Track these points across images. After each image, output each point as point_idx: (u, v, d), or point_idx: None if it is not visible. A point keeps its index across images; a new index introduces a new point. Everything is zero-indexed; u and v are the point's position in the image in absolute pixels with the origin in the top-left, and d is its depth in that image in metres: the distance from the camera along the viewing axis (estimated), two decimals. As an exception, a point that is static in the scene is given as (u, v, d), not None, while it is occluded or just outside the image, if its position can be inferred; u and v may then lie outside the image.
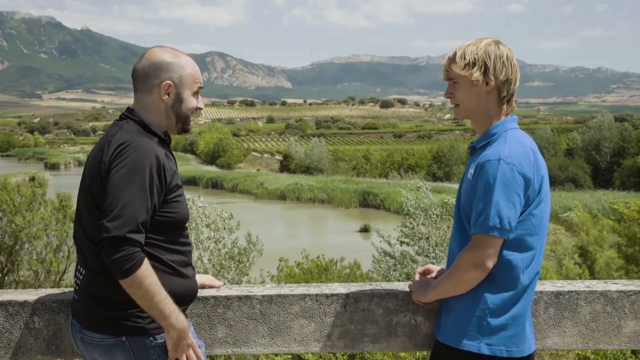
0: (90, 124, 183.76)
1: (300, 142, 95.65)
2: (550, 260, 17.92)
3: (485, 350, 2.17)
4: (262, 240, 13.75)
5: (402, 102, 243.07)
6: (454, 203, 3.21)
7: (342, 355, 6.06)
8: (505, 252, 2.16)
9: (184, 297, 2.24)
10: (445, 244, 13.31)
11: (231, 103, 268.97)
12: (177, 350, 2.16)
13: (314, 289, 2.57)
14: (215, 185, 66.10)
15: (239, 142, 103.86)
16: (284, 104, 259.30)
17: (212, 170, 79.01)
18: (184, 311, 2.24)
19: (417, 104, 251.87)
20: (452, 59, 2.28)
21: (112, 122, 2.40)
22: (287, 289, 2.57)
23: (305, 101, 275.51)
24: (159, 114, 2.27)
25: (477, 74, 2.23)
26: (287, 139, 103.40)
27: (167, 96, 2.25)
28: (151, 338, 2.16)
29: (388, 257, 13.98)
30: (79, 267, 2.26)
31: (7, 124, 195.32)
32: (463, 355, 2.19)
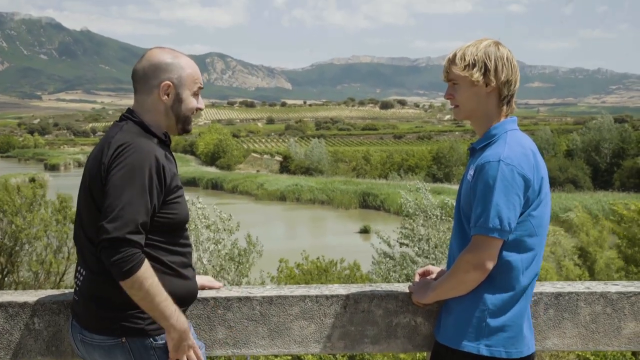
0: (90, 125, 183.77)
1: (300, 143, 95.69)
2: (550, 262, 17.92)
3: (484, 352, 2.17)
4: (262, 242, 13.75)
5: (402, 103, 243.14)
6: (454, 204, 3.21)
7: (342, 356, 6.07)
8: (505, 253, 2.16)
9: (184, 298, 2.24)
10: (445, 245, 13.30)
11: (231, 104, 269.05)
12: (177, 351, 2.16)
13: (314, 290, 2.56)
14: (215, 186, 66.11)
15: (239, 143, 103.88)
16: (283, 105, 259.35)
17: (212, 171, 79.03)
18: (184, 312, 2.23)
19: (417, 105, 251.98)
20: (452, 60, 2.29)
21: (112, 123, 2.40)
22: (287, 290, 2.57)
23: (305, 102, 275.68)
24: (159, 114, 2.27)
25: (477, 75, 2.23)
26: (287, 140, 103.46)
27: (166, 97, 2.25)
28: (151, 339, 2.16)
29: (388, 259, 13.97)
30: (79, 268, 2.26)
31: (7, 125, 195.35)
32: (463, 356, 2.19)
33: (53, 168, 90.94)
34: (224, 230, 12.86)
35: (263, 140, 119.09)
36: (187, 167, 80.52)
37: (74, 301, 2.27)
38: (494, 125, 2.26)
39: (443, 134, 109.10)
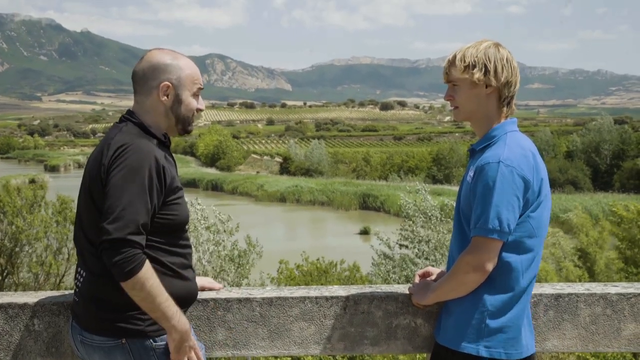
0: (90, 126, 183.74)
1: (300, 144, 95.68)
2: (549, 263, 17.92)
3: (484, 353, 2.17)
4: (262, 243, 13.75)
5: (402, 105, 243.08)
6: (454, 205, 3.22)
7: (342, 357, 6.06)
8: (504, 254, 2.16)
9: (184, 299, 2.24)
10: (444, 246, 13.30)
11: (231, 105, 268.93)
12: (179, 353, 2.16)
13: (313, 291, 2.57)
14: (215, 187, 66.10)
15: (239, 144, 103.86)
16: (283, 106, 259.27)
17: (212, 172, 79.03)
18: (183, 313, 2.23)
19: (416, 106, 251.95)
20: (452, 62, 2.29)
21: (112, 124, 2.40)
22: (287, 292, 2.57)
23: (305, 103, 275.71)
24: (159, 115, 2.27)
25: (477, 77, 2.23)
26: (287, 141, 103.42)
27: (165, 97, 2.26)
28: (151, 340, 2.16)
29: (388, 260, 13.97)
30: (79, 269, 2.26)
31: (7, 126, 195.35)
32: (462, 357, 2.19)
33: (53, 169, 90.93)
34: (224, 231, 12.85)
35: (263, 141, 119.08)
36: (187, 168, 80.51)
37: (74, 302, 2.27)
38: (493, 127, 2.27)
39: (443, 136, 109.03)
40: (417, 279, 2.51)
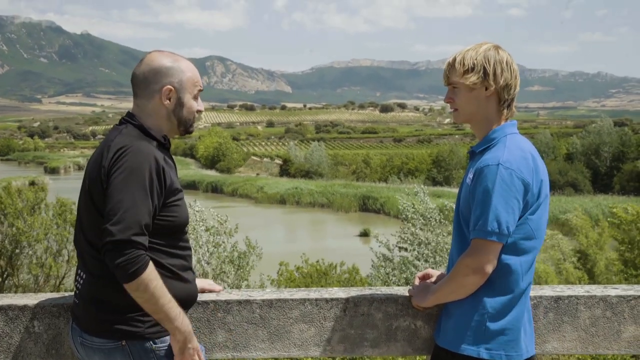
0: (90, 128, 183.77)
1: (300, 146, 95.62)
2: (549, 264, 17.91)
3: (484, 355, 2.17)
4: (262, 245, 13.72)
5: (402, 107, 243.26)
6: (453, 207, 3.22)
7: (342, 359, 6.06)
8: (504, 256, 2.16)
9: (184, 301, 2.24)
10: (444, 249, 13.29)
11: (231, 107, 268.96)
12: (183, 355, 2.16)
13: (313, 293, 2.57)
14: (215, 189, 66.05)
15: (239, 146, 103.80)
16: (283, 108, 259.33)
17: (211, 174, 78.97)
18: (184, 315, 2.24)
19: (416, 109, 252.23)
20: (451, 64, 2.29)
21: (112, 126, 2.40)
22: (287, 294, 2.57)
23: (305, 105, 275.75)
24: (160, 118, 2.28)
25: (476, 79, 2.23)
26: (286, 143, 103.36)
27: (168, 101, 2.26)
28: (151, 342, 2.16)
29: (387, 262, 13.95)
30: (79, 271, 2.26)
31: (7, 128, 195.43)
32: (462, 359, 2.19)
33: (53, 171, 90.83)
34: (224, 233, 12.83)
35: (263, 143, 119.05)
36: (187, 170, 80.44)
37: (74, 304, 2.27)
38: (493, 129, 2.27)
39: (443, 138, 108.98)
40: (417, 281, 2.51)
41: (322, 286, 11.83)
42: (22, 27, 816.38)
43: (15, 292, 12.84)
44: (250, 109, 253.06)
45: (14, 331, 2.47)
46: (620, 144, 62.01)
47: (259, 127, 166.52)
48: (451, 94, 2.32)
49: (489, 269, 2.14)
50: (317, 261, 13.55)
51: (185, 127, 2.33)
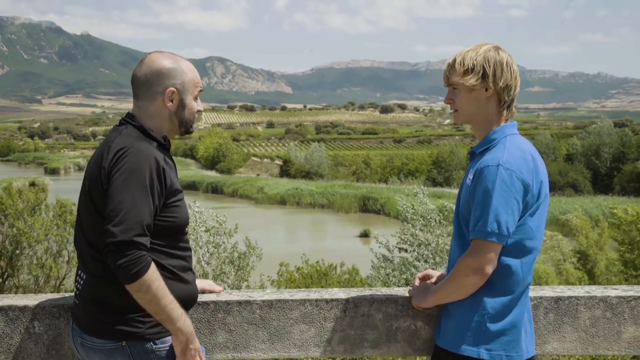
0: (90, 128, 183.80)
1: (300, 147, 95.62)
2: (549, 265, 17.91)
3: (484, 356, 2.17)
4: (262, 245, 13.72)
5: (402, 107, 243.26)
6: (453, 208, 3.22)
7: (342, 360, 6.06)
8: (504, 257, 2.16)
9: (185, 302, 2.24)
10: (444, 250, 13.28)
11: (231, 108, 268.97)
12: (185, 356, 2.16)
13: (314, 294, 2.57)
14: (215, 190, 66.05)
15: (239, 147, 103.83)
16: (283, 109, 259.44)
17: (212, 175, 78.96)
18: (184, 316, 2.24)
19: (417, 109, 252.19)
20: (451, 65, 2.29)
21: (112, 127, 2.40)
22: (287, 294, 2.57)
23: (305, 106, 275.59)
24: (162, 119, 2.28)
25: (476, 80, 2.23)
26: (287, 144, 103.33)
27: (170, 103, 2.27)
28: (151, 343, 2.16)
29: (388, 262, 13.94)
30: (79, 272, 2.26)
31: (7, 128, 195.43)
32: (463, 360, 2.19)
33: (53, 172, 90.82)
34: (224, 233, 12.83)
35: (263, 144, 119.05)
36: (187, 170, 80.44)
37: (75, 305, 2.27)
38: (493, 130, 2.27)
39: (443, 138, 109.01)
40: (417, 282, 2.51)
41: (322, 287, 11.81)
42: (22, 27, 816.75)
43: (16, 292, 12.84)
44: (251, 109, 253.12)
45: (14, 332, 2.47)
46: (621, 144, 62.02)
47: (259, 128, 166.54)
48: (451, 94, 2.32)
49: (489, 269, 2.14)
50: (317, 262, 13.55)
51: (186, 127, 2.34)
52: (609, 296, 2.50)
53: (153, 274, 2.05)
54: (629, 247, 15.51)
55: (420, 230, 13.70)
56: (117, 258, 2.00)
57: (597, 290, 2.57)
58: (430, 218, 13.75)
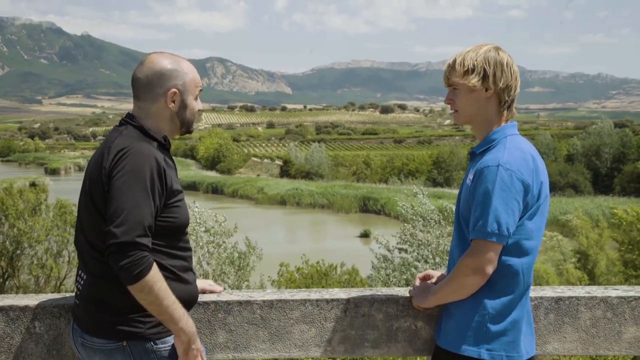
0: (91, 129, 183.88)
1: (301, 147, 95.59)
2: (549, 265, 17.91)
3: (485, 356, 2.17)
4: (262, 246, 13.73)
5: (402, 108, 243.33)
6: (453, 209, 3.22)
7: (342, 360, 6.05)
8: (504, 257, 2.16)
9: (185, 302, 2.24)
10: (444, 250, 13.28)
11: (231, 108, 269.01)
12: (187, 356, 2.16)
13: (314, 294, 2.57)
14: (215, 190, 66.04)
15: (239, 147, 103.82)
16: (284, 109, 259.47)
17: (212, 175, 78.94)
18: (185, 316, 2.24)
19: (417, 110, 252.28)
20: (451, 66, 2.30)
21: (112, 127, 2.41)
22: (287, 294, 2.57)
23: (305, 106, 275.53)
24: (163, 120, 2.29)
25: (476, 81, 2.23)
26: (287, 144, 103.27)
27: (172, 104, 2.27)
28: (152, 343, 2.16)
29: (388, 262, 13.94)
30: (80, 272, 2.26)
31: (7, 129, 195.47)
32: (463, 360, 2.19)
33: (53, 172, 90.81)
34: (224, 233, 12.83)
35: (263, 144, 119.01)
36: (188, 171, 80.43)
37: (75, 305, 2.27)
38: (493, 130, 2.27)
39: (443, 139, 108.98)
40: (417, 282, 2.51)
41: (322, 287, 11.81)
42: (22, 28, 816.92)
43: (16, 292, 12.84)
44: (251, 110, 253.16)
45: (15, 332, 2.48)
46: (621, 145, 62.01)
47: (259, 128, 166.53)
48: (451, 95, 2.32)
49: (490, 269, 2.14)
50: (318, 262, 13.55)
51: (187, 127, 2.35)
52: (609, 296, 2.50)
53: (155, 275, 2.05)
54: (629, 247, 15.51)
55: (420, 230, 13.70)
56: (119, 259, 2.00)
57: (597, 291, 2.57)
58: (430, 218, 13.75)
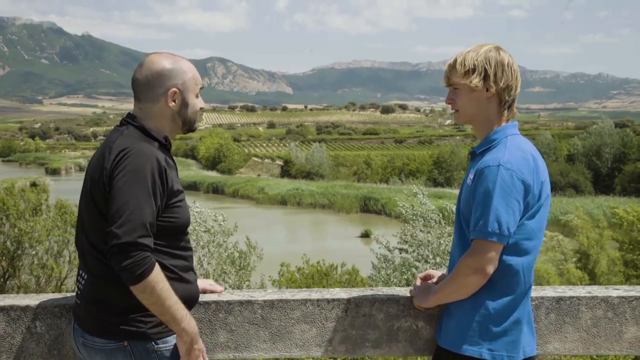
0: (91, 129, 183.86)
1: (301, 147, 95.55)
2: (550, 265, 17.90)
3: (486, 356, 2.17)
4: (263, 246, 13.72)
5: (403, 108, 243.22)
6: (453, 209, 3.22)
7: (343, 360, 6.05)
8: (505, 257, 2.16)
9: (186, 302, 2.24)
10: (446, 251, 13.27)
11: (232, 108, 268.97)
12: (190, 356, 2.17)
13: (315, 294, 2.57)
14: (216, 190, 66.02)
15: (240, 147, 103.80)
16: (284, 109, 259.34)
17: (212, 175, 78.93)
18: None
19: (417, 110, 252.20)
20: (452, 66, 2.29)
21: (112, 127, 2.41)
22: (288, 294, 2.57)
23: (306, 106, 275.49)
24: (165, 120, 2.29)
25: (477, 80, 2.23)
26: (287, 144, 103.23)
27: (173, 103, 2.27)
28: (153, 343, 2.16)
29: (388, 263, 13.92)
30: (80, 271, 2.27)
31: (8, 129, 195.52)
32: (464, 360, 2.19)
33: (54, 172, 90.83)
34: (224, 232, 12.82)
35: (264, 144, 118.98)
36: (188, 171, 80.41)
37: (76, 305, 2.28)
38: (494, 130, 2.27)
39: (444, 139, 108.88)
40: (418, 282, 2.51)
41: (323, 287, 11.80)
42: (23, 28, 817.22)
43: (17, 292, 12.85)
44: (251, 110, 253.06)
45: (16, 331, 2.48)
46: (622, 145, 61.97)
47: (260, 128, 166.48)
48: (452, 95, 2.32)
49: (490, 269, 2.14)
50: (318, 262, 13.55)
51: (189, 126, 2.35)
52: (610, 296, 2.50)
53: (158, 275, 2.05)
54: (630, 247, 15.51)
55: (421, 230, 13.69)
56: (121, 260, 2.00)
57: (598, 291, 2.57)
58: (430, 218, 13.73)
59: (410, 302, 2.48)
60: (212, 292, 2.59)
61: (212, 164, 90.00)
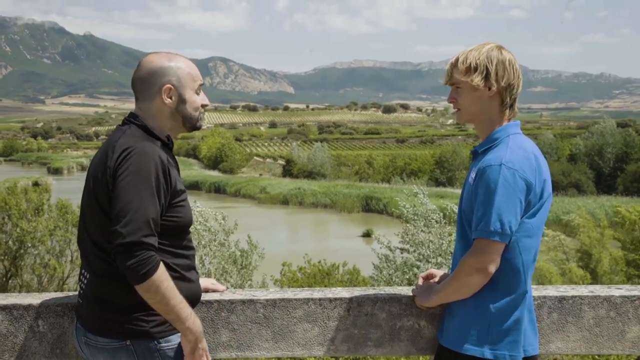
0: (93, 128, 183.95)
1: (303, 147, 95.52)
2: (552, 264, 17.88)
3: (488, 355, 2.17)
4: (264, 245, 13.72)
5: (405, 107, 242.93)
6: (454, 208, 3.22)
7: (346, 359, 6.06)
8: (506, 256, 2.16)
9: (189, 301, 2.24)
10: (447, 251, 13.25)
11: (234, 108, 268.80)
12: (194, 355, 2.17)
13: (317, 293, 2.57)
14: (217, 190, 66.03)
15: (242, 146, 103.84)
16: (286, 109, 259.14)
17: (214, 175, 78.93)
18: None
19: (419, 109, 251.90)
20: (454, 64, 2.29)
21: (115, 126, 2.41)
22: (290, 293, 2.57)
23: (307, 106, 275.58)
24: (164, 118, 2.28)
25: (478, 79, 2.23)
26: (289, 144, 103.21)
27: (169, 100, 2.27)
28: (155, 342, 2.16)
29: (390, 262, 13.91)
30: (83, 271, 2.27)
31: (10, 128, 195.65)
32: (466, 359, 2.19)
33: (56, 172, 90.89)
34: (224, 231, 12.82)
35: (266, 144, 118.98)
36: (190, 170, 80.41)
37: (78, 304, 2.28)
38: (496, 129, 2.27)
39: (446, 138, 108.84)
40: (420, 281, 2.51)
41: (325, 286, 11.80)
42: (25, 28, 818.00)
43: (19, 292, 12.86)
44: (253, 109, 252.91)
45: (18, 330, 2.48)
46: (624, 144, 61.87)
47: (262, 128, 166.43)
48: (454, 94, 2.32)
49: (492, 268, 2.14)
50: (320, 262, 13.55)
51: (191, 123, 2.33)
52: (612, 296, 2.50)
53: (162, 274, 2.05)
54: (632, 246, 15.49)
55: (422, 230, 13.67)
56: (126, 259, 2.01)
57: (601, 290, 2.57)
58: (431, 218, 13.72)
59: (413, 301, 2.48)
60: (214, 291, 2.60)
61: (214, 163, 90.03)
